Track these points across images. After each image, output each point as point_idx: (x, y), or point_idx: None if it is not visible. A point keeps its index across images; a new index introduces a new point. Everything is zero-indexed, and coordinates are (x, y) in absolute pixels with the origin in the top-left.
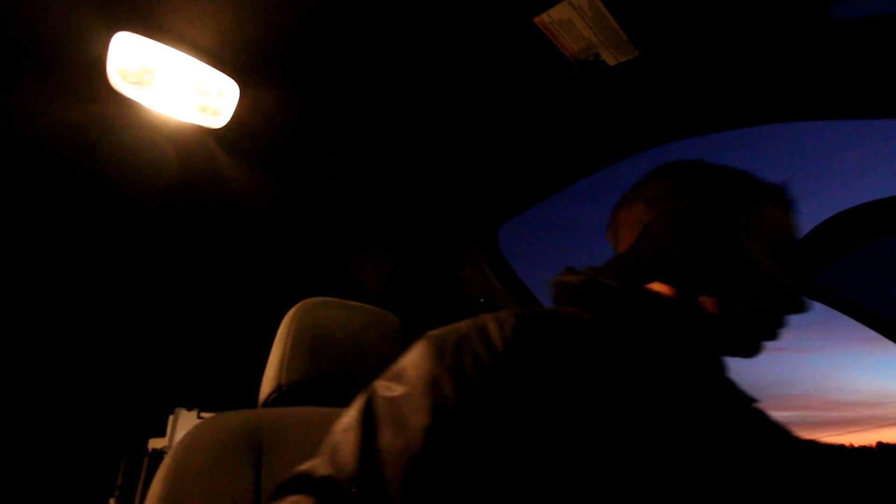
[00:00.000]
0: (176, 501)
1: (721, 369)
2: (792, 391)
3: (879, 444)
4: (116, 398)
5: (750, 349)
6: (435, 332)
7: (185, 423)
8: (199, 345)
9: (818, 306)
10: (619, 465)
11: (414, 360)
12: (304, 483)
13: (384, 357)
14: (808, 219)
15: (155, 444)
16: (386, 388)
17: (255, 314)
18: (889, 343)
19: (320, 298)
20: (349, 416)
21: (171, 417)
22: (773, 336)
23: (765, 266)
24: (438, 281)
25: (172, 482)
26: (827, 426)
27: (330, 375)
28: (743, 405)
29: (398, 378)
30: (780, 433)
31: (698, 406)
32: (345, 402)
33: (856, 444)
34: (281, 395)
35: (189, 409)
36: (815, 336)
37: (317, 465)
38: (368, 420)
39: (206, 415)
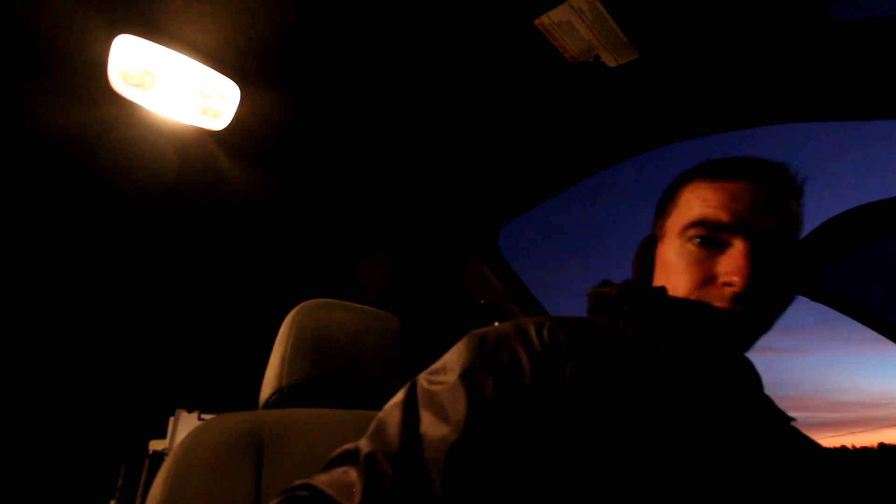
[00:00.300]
0: (177, 503)
1: (759, 386)
2: (793, 392)
3: (881, 445)
4: (117, 400)
5: (731, 343)
6: (477, 331)
7: (185, 424)
8: (200, 346)
9: (819, 307)
10: (650, 469)
11: (456, 355)
12: (350, 457)
13: (385, 358)
14: (808, 220)
15: (155, 445)
16: (429, 380)
17: (256, 316)
18: (890, 343)
19: (321, 300)
20: (392, 403)
21: (171, 419)
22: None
23: (674, 257)
24: (439, 282)
25: (173, 484)
26: (828, 427)
27: (331, 377)
28: (779, 423)
29: (441, 372)
30: (815, 452)
31: (734, 419)
32: (346, 404)
33: (857, 446)
34: (282, 397)
35: (190, 411)
36: (815, 337)
37: (362, 443)
38: (411, 407)
39: (206, 416)
